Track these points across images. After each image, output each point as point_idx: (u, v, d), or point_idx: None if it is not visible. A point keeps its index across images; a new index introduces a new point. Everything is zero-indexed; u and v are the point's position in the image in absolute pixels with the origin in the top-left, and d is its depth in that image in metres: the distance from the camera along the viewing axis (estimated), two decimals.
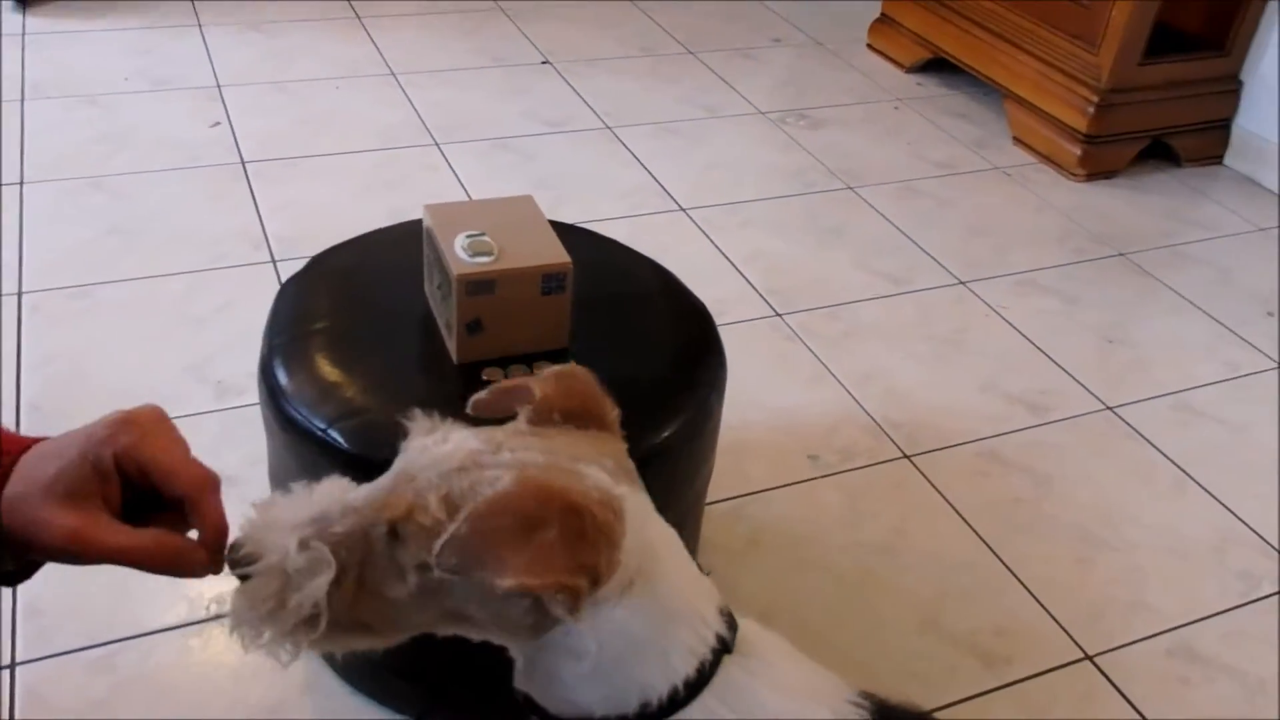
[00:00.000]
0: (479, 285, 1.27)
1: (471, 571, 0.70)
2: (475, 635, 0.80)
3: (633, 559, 0.74)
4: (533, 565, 0.68)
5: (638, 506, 0.78)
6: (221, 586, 1.55)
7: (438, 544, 0.69)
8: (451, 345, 1.33)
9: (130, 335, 2.03)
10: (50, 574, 1.56)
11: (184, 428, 1.88)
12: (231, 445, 1.81)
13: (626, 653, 0.76)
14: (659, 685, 0.77)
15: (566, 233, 1.41)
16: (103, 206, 2.37)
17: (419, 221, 1.55)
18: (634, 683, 0.77)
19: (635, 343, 1.42)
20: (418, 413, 0.84)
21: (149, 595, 1.56)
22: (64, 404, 1.86)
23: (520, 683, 0.83)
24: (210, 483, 0.79)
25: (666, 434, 1.30)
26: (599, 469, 0.77)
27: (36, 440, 0.77)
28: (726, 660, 0.79)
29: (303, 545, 0.74)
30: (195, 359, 1.99)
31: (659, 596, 0.77)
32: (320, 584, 0.73)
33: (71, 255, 2.21)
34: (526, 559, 0.68)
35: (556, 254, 1.31)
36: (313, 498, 0.77)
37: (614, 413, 0.85)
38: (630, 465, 0.82)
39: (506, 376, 1.31)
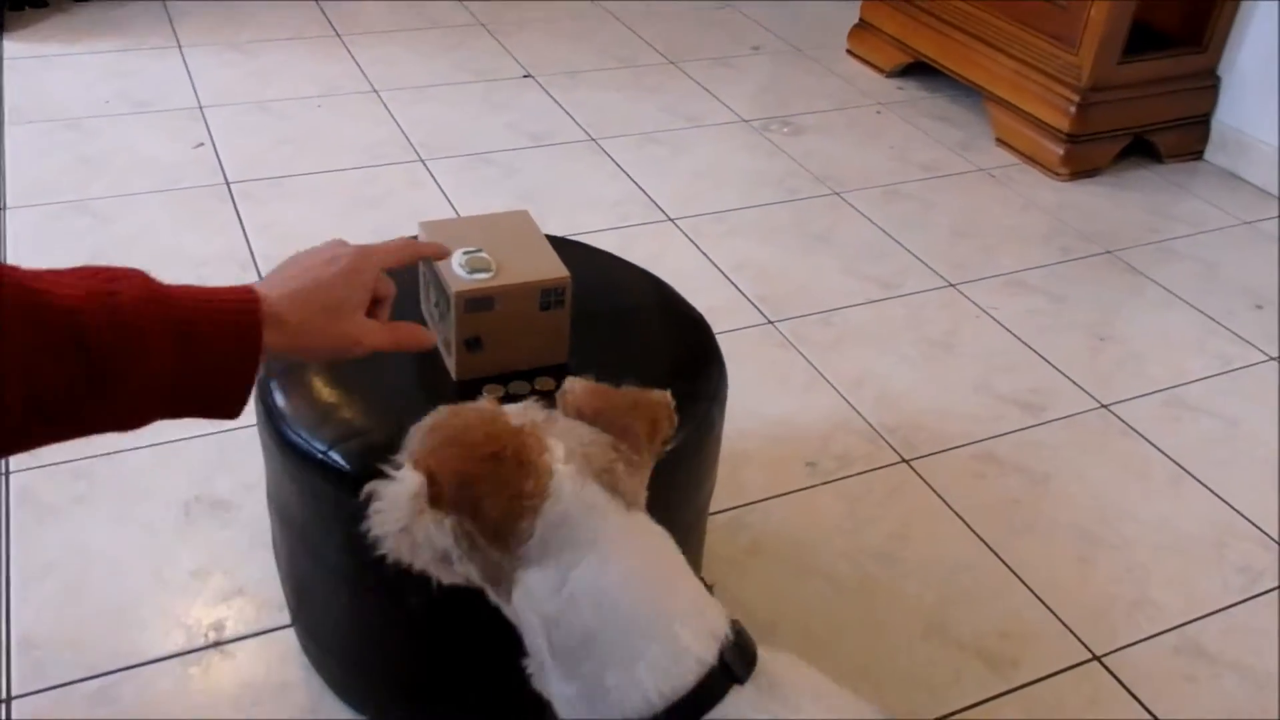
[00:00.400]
0: (478, 302, 1.26)
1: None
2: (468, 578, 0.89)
3: (560, 539, 0.80)
4: (430, 446, 0.84)
5: (590, 502, 0.82)
6: (218, 614, 1.54)
7: None
8: (450, 363, 1.31)
9: None
10: (44, 604, 1.54)
11: (174, 452, 1.87)
12: (225, 470, 1.80)
13: (582, 648, 0.80)
14: (632, 696, 0.78)
15: (561, 246, 1.41)
16: (87, 230, 2.35)
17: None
18: (603, 689, 0.79)
19: (634, 356, 1.41)
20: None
21: (145, 623, 1.54)
22: None
23: (535, 684, 0.87)
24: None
25: (669, 447, 1.29)
26: (564, 450, 0.83)
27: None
28: (736, 691, 0.79)
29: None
30: None
31: (610, 597, 0.79)
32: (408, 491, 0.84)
33: None
34: (431, 442, 0.85)
35: (555, 268, 1.30)
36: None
37: (635, 425, 0.90)
38: (623, 479, 0.86)
39: (507, 393, 1.30)
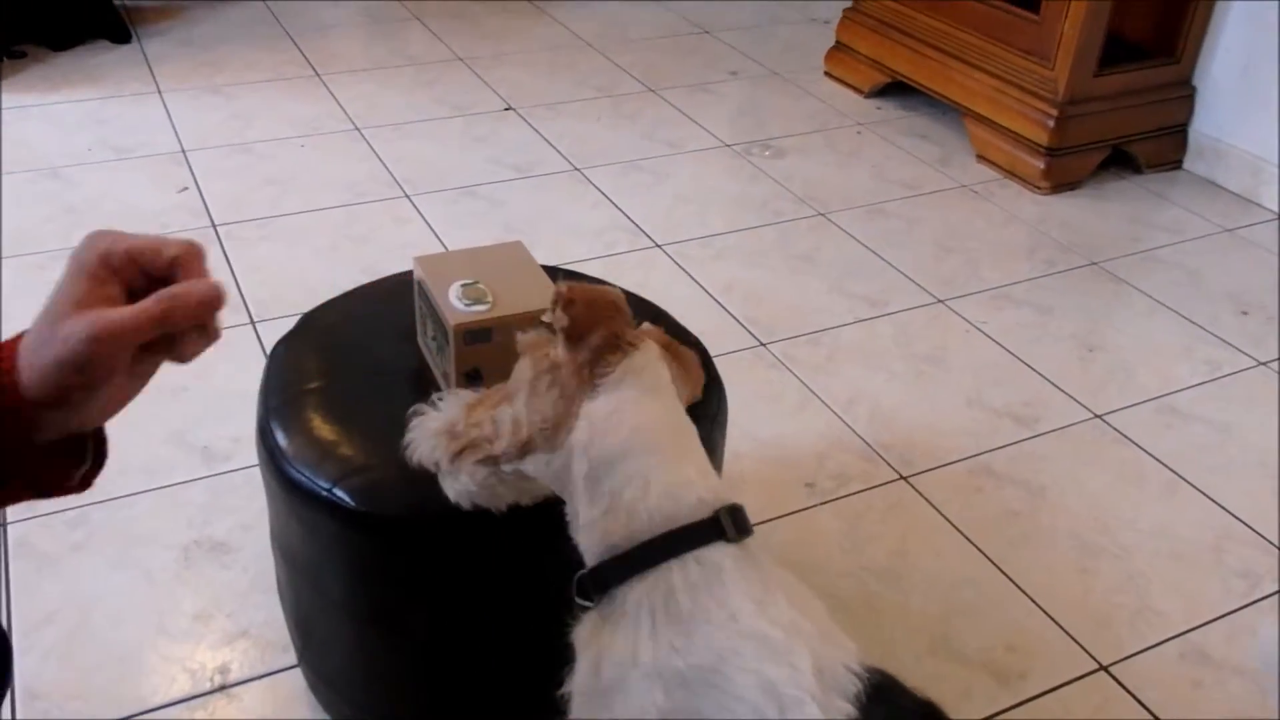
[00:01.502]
0: (476, 334, 1.26)
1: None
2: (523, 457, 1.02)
3: (632, 379, 0.97)
4: (561, 293, 0.98)
5: (661, 368, 1.01)
6: (223, 657, 1.53)
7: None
8: None
9: None
10: (47, 654, 1.53)
11: (170, 496, 1.86)
12: (222, 513, 1.79)
13: (611, 464, 0.94)
14: (639, 514, 0.91)
15: (555, 275, 1.41)
16: None
17: (406, 274, 1.55)
18: (618, 505, 0.93)
19: None
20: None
21: (149, 670, 1.53)
22: None
23: (572, 532, 1.00)
24: (196, 246, 0.79)
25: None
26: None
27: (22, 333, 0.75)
28: (721, 545, 0.90)
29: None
30: (179, 426, 1.97)
31: (644, 426, 0.95)
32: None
33: None
34: (560, 292, 0.98)
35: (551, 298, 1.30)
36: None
37: (695, 373, 1.11)
38: (680, 386, 1.04)
39: None
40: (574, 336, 0.97)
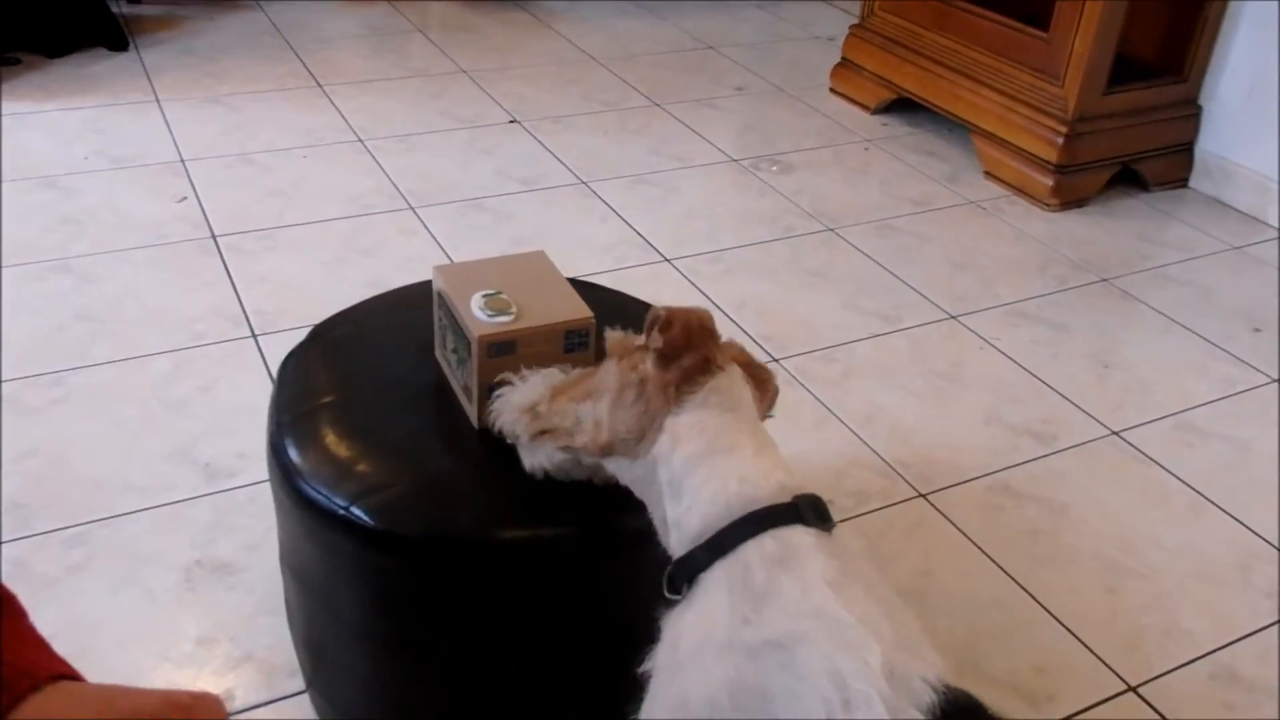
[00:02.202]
0: (500, 346, 1.22)
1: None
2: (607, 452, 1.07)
3: (714, 399, 1.02)
4: (662, 316, 1.01)
5: (742, 392, 1.04)
6: (227, 683, 1.48)
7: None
8: (472, 411, 1.27)
9: (110, 422, 1.95)
10: None
11: (172, 515, 1.81)
12: (226, 532, 1.74)
13: (695, 464, 0.99)
14: (717, 502, 0.95)
15: (578, 288, 1.37)
16: (71, 290, 2.29)
17: (420, 285, 1.51)
18: (699, 499, 0.97)
19: None
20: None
21: None
22: (46, 498, 1.77)
23: (660, 536, 1.04)
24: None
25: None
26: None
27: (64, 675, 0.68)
28: (799, 529, 0.92)
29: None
30: (180, 442, 1.92)
31: (722, 431, 1.00)
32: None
33: (42, 343, 2.13)
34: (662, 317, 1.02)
35: (577, 309, 1.27)
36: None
37: (768, 388, 1.12)
38: (758, 403, 1.08)
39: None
40: (667, 357, 1.02)
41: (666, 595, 0.98)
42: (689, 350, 1.01)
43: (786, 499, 0.94)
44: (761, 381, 1.11)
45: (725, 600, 0.90)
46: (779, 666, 0.85)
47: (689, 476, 0.99)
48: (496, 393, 1.17)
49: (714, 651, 0.89)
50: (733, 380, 1.04)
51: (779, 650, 0.85)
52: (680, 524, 0.99)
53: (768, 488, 0.95)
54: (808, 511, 0.94)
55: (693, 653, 0.91)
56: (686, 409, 1.01)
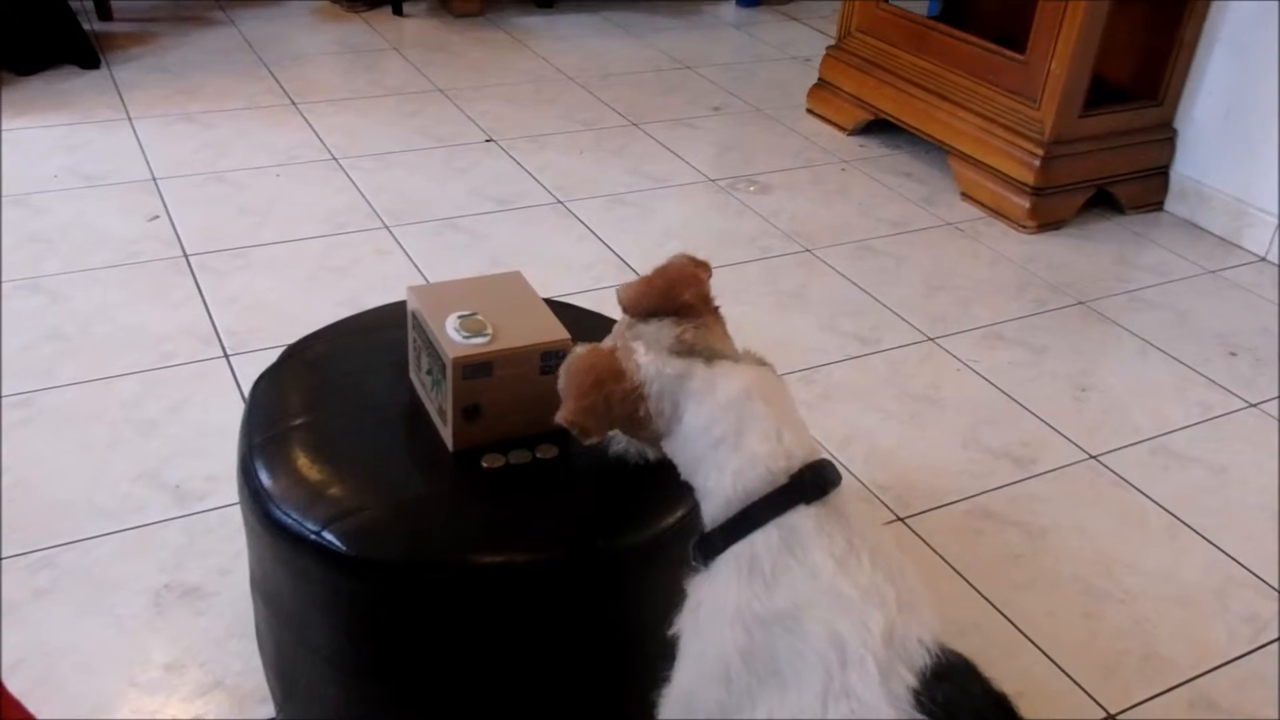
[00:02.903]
0: (476, 368, 1.20)
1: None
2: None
3: (668, 406, 1.04)
4: (561, 407, 1.06)
5: (677, 370, 1.04)
6: (196, 710, 1.44)
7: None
8: (447, 433, 1.25)
9: (77, 443, 1.91)
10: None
11: (141, 538, 1.78)
12: (196, 555, 1.71)
13: (692, 467, 1.05)
14: (718, 497, 1.01)
15: (555, 309, 1.35)
16: (39, 309, 2.25)
17: (394, 305, 1.49)
18: (706, 492, 1.03)
19: None
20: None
21: None
22: (11, 521, 1.74)
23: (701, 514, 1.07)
24: None
25: (681, 513, 1.23)
26: (644, 345, 1.06)
27: None
28: (802, 509, 0.97)
29: None
30: (149, 464, 1.88)
31: (702, 428, 1.02)
32: None
33: (9, 362, 2.09)
34: (562, 403, 1.06)
35: (554, 330, 1.25)
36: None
37: (688, 298, 1.10)
38: (706, 337, 1.08)
39: (508, 461, 1.24)
40: (609, 426, 1.09)
41: (692, 564, 1.05)
42: (610, 412, 1.05)
43: (785, 480, 0.98)
44: (681, 303, 1.10)
45: (737, 581, 0.97)
46: (785, 631, 0.93)
47: (694, 477, 1.06)
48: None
49: (729, 619, 0.96)
50: (656, 377, 1.05)
51: (787, 619, 0.93)
52: (705, 502, 1.05)
53: (768, 472, 0.99)
54: (809, 488, 0.98)
55: (710, 619, 0.99)
56: (664, 430, 1.06)
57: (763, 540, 0.97)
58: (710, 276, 1.16)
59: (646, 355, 1.05)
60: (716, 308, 1.14)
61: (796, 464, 0.99)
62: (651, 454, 1.19)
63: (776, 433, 1.01)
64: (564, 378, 1.06)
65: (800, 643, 0.92)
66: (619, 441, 1.21)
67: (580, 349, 1.09)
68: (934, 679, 0.90)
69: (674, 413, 1.04)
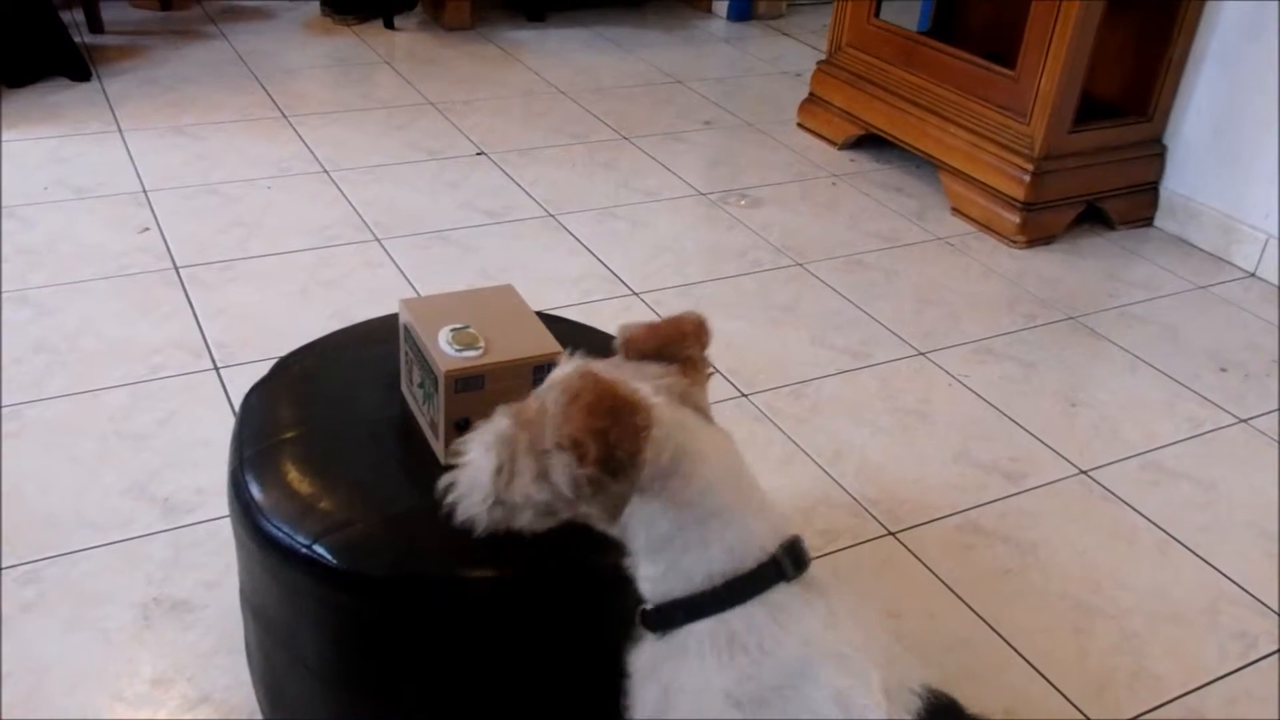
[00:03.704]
0: (468, 381, 1.20)
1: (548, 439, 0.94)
2: (575, 515, 1.01)
3: (666, 458, 0.94)
4: (563, 422, 0.92)
5: (682, 421, 0.97)
6: None
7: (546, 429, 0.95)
8: (438, 447, 1.25)
9: (65, 456, 1.90)
10: None
11: (129, 551, 1.77)
12: (185, 569, 1.69)
13: (671, 538, 0.96)
14: (698, 572, 0.95)
15: (547, 322, 1.35)
16: (28, 322, 2.24)
17: (386, 318, 1.48)
18: (679, 568, 0.96)
19: None
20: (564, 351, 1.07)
21: None
22: None
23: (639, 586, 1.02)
24: None
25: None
26: (650, 386, 0.98)
27: None
28: (783, 586, 0.95)
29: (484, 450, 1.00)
30: (138, 477, 1.87)
31: (697, 495, 0.95)
32: (485, 472, 0.99)
33: None
34: (562, 419, 0.92)
35: (546, 344, 1.25)
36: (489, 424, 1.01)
37: (692, 352, 1.04)
38: (695, 396, 1.02)
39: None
40: (604, 459, 0.94)
41: (640, 630, 1.00)
42: (617, 444, 0.93)
43: (766, 558, 0.96)
44: (689, 357, 1.04)
45: (718, 662, 0.94)
46: (784, 700, 0.92)
47: (667, 549, 0.98)
48: (446, 481, 1.04)
49: (719, 704, 0.93)
50: (668, 422, 0.96)
51: (785, 689, 0.92)
52: (654, 583, 0.99)
53: (748, 552, 0.95)
54: (787, 564, 0.96)
55: (693, 705, 0.95)
56: (645, 484, 0.96)
57: (743, 616, 0.95)
58: (709, 342, 1.10)
59: (658, 397, 0.98)
60: (711, 373, 1.09)
61: (781, 536, 0.98)
62: (538, 524, 1.03)
63: (767, 509, 1.00)
64: (566, 395, 0.94)
65: (802, 709, 0.92)
66: (475, 502, 1.02)
67: (571, 364, 1.02)
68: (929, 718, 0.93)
69: (672, 467, 0.96)
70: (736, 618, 0.94)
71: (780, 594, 0.95)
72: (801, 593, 0.96)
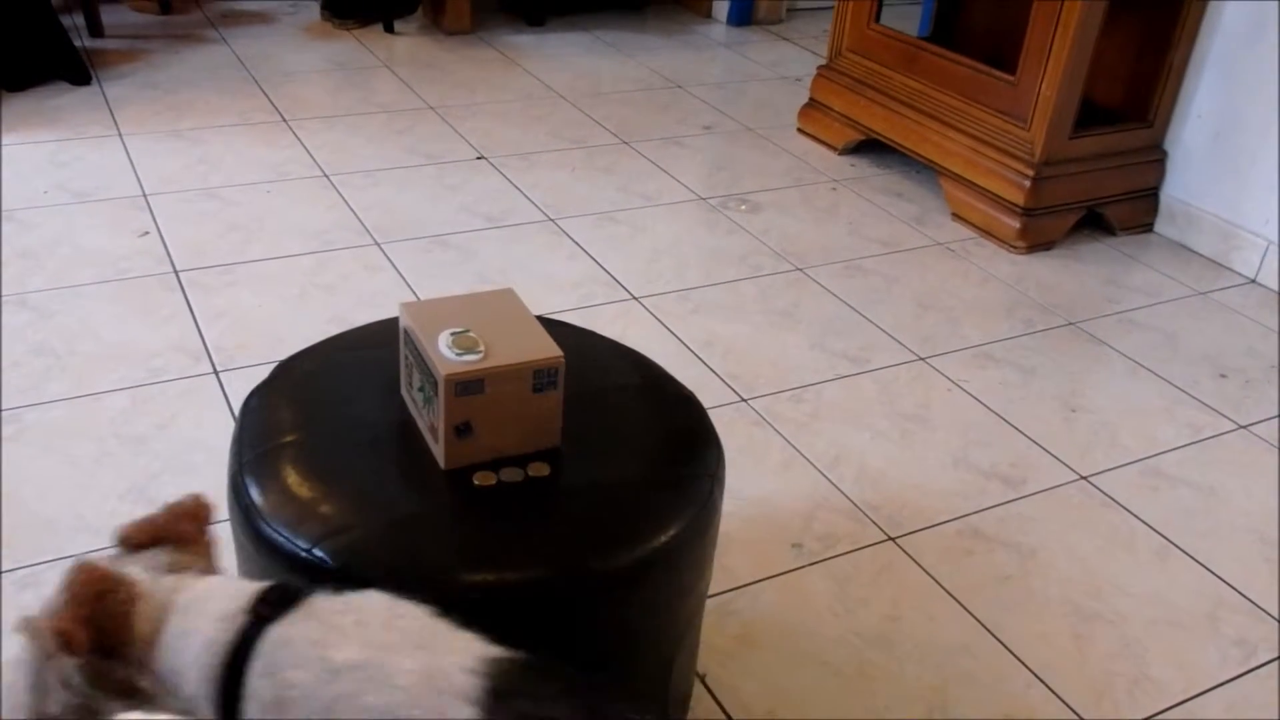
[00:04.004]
0: (468, 385, 1.20)
1: None
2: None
3: (162, 623, 0.96)
4: (55, 620, 0.94)
5: (167, 585, 0.99)
6: None
7: None
8: (438, 450, 1.24)
9: (64, 460, 1.90)
10: None
11: None
12: None
13: (177, 676, 0.95)
14: (193, 680, 0.94)
15: (547, 326, 1.35)
16: (27, 325, 2.24)
17: (386, 322, 1.48)
18: (188, 695, 0.95)
19: (629, 437, 1.35)
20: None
21: None
22: None
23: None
24: None
25: (673, 532, 1.23)
26: (142, 567, 1.01)
27: None
28: (270, 628, 0.94)
29: None
30: (137, 481, 1.87)
31: (186, 613, 0.97)
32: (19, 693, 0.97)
33: None
34: (54, 617, 0.94)
35: (546, 348, 1.25)
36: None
37: (189, 529, 1.08)
38: (199, 565, 1.05)
39: (500, 479, 1.23)
40: (101, 648, 0.94)
41: None
42: (111, 629, 0.94)
43: (238, 627, 0.95)
44: (183, 533, 1.07)
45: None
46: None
47: (181, 688, 0.96)
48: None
49: None
50: (152, 595, 0.98)
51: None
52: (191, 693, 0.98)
53: (205, 638, 0.95)
54: (264, 610, 0.96)
55: None
56: (153, 655, 0.96)
57: (255, 689, 0.92)
58: (212, 515, 1.12)
59: (144, 574, 1.00)
60: (209, 542, 1.10)
61: (245, 597, 0.97)
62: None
63: (215, 597, 0.99)
64: (57, 593, 0.96)
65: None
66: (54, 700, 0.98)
67: (73, 565, 1.01)
68: (498, 699, 0.88)
69: (169, 629, 0.97)
70: (254, 689, 0.92)
71: (271, 645, 0.93)
72: (294, 630, 0.94)
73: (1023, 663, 1.69)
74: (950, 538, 1.93)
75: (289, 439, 1.30)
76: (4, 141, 3.00)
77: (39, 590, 1.64)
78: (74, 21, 3.85)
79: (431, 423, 1.25)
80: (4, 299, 2.32)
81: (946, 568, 1.86)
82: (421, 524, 1.20)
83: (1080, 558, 1.92)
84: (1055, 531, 1.97)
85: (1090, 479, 2.11)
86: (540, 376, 1.23)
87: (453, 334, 1.24)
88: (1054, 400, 2.34)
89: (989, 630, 1.74)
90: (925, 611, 1.77)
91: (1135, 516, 2.03)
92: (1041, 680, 1.67)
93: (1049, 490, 2.08)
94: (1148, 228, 3.14)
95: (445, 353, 1.21)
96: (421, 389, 1.27)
